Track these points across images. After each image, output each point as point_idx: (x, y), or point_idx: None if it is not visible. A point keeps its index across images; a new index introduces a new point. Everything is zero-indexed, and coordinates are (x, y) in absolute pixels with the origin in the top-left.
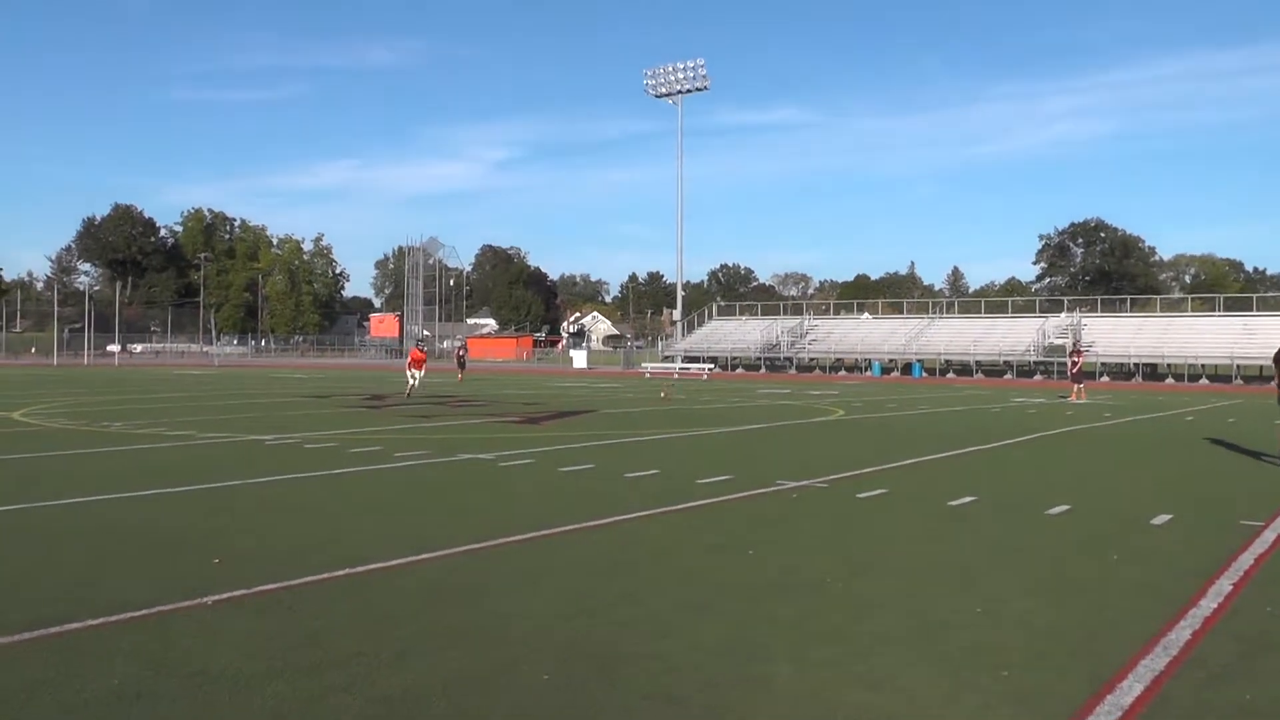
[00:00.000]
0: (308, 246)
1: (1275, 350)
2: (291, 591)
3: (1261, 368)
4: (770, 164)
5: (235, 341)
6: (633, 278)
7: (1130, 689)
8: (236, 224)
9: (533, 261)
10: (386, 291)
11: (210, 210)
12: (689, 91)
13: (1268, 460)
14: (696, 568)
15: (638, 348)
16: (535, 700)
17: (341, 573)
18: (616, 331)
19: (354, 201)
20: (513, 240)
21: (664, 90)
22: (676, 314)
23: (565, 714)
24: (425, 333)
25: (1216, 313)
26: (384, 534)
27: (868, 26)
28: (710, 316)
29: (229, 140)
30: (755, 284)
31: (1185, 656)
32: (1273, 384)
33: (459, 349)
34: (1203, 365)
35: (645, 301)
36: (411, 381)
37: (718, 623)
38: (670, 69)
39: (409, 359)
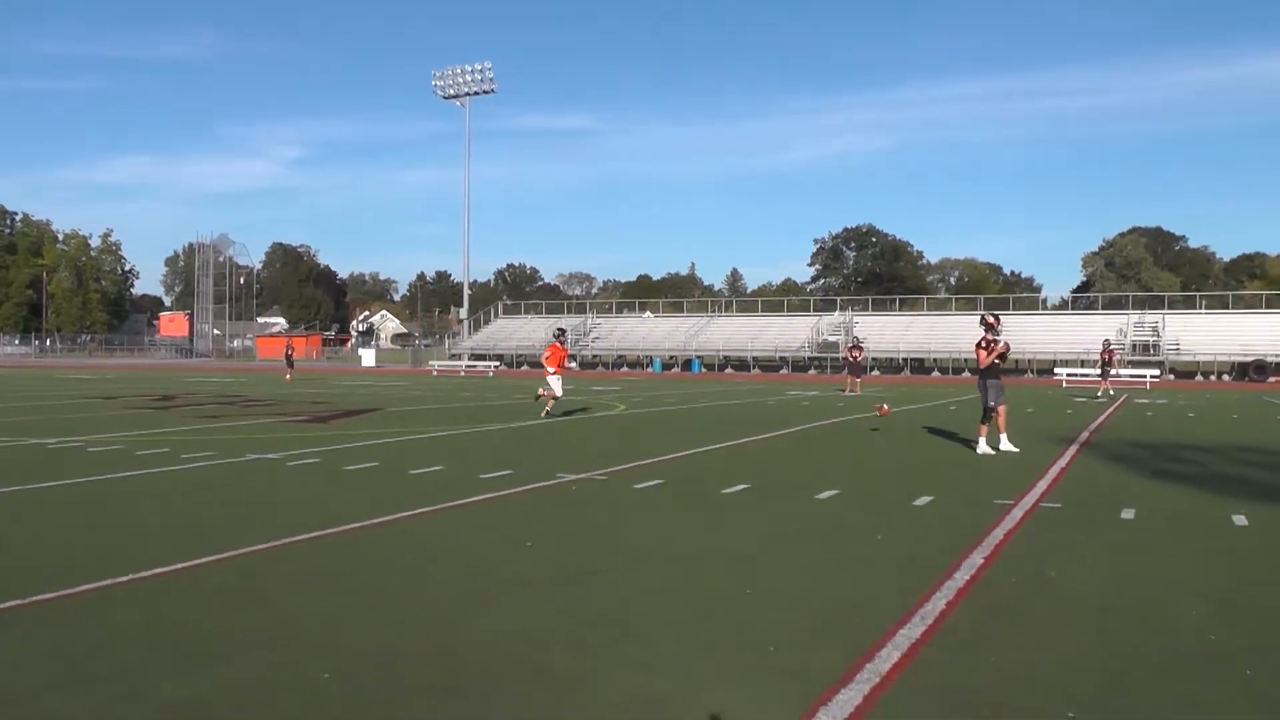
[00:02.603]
0: (95, 243)
1: (975, 342)
2: (72, 600)
3: (1016, 361)
4: (557, 167)
5: (16, 341)
6: (421, 277)
7: (889, 657)
8: (17, 218)
9: (323, 260)
10: (177, 290)
11: None
12: (477, 94)
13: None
14: (477, 561)
15: (426, 346)
16: (317, 701)
17: (126, 579)
18: (405, 330)
19: (145, 198)
20: (304, 239)
21: (452, 92)
22: (463, 313)
23: (346, 713)
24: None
25: (978, 312)
26: (170, 538)
27: (655, 38)
28: (497, 315)
29: (11, 132)
30: (541, 283)
31: (939, 625)
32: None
33: (288, 349)
34: (965, 359)
35: (433, 300)
36: (554, 393)
37: (498, 614)
38: (458, 71)
39: (550, 358)
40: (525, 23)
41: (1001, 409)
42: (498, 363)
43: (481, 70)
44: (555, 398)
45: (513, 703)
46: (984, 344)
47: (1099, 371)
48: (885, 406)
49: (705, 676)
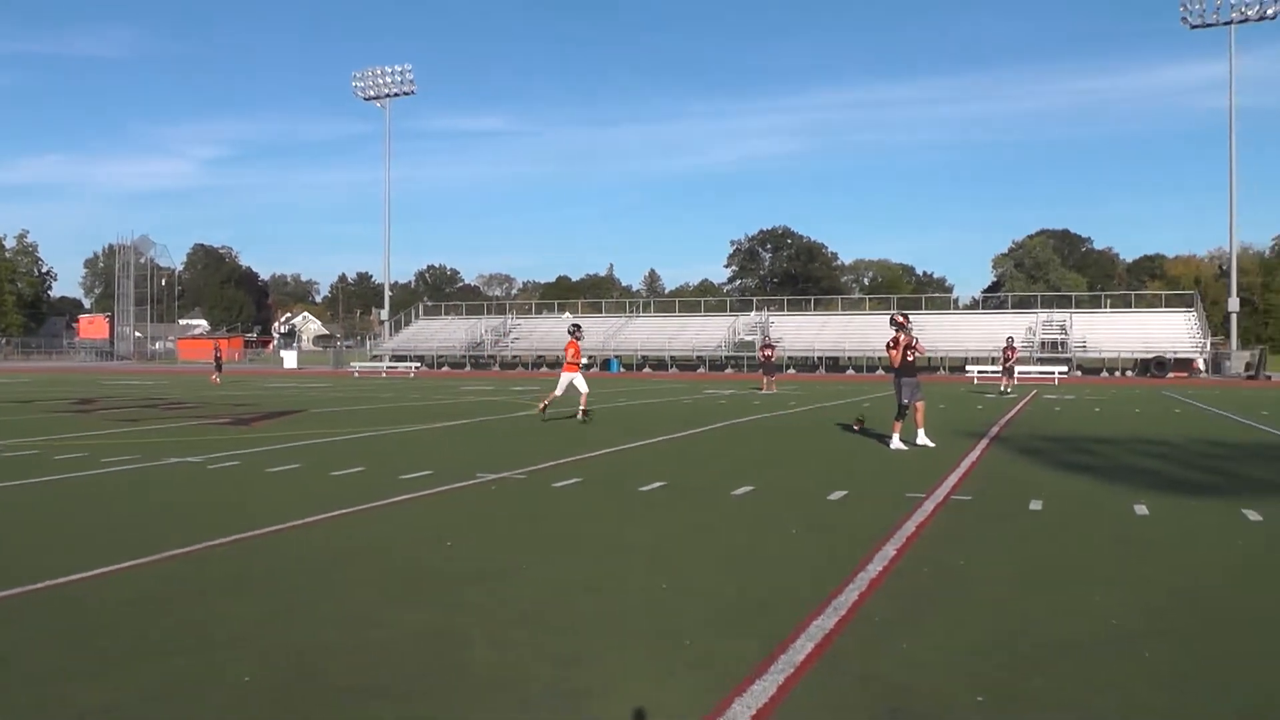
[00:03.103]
0: (10, 244)
1: (887, 340)
2: None
3: (930, 359)
4: (478, 169)
5: None
6: (342, 278)
7: (802, 647)
8: None
9: (244, 261)
10: (96, 292)
11: None
12: (396, 95)
13: (881, 439)
14: (397, 561)
15: (347, 347)
16: (237, 704)
17: (39, 586)
18: (327, 331)
19: (61, 198)
20: (225, 240)
21: (372, 93)
22: (384, 314)
23: (267, 715)
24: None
25: (891, 311)
26: (88, 543)
27: (572, 42)
28: (417, 316)
29: None
30: (461, 284)
31: (852, 615)
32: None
33: (216, 351)
34: (879, 358)
35: (355, 301)
36: (555, 393)
37: (417, 613)
38: (378, 72)
39: (571, 354)
40: (444, 25)
41: (919, 405)
42: (419, 364)
43: (401, 72)
44: (557, 396)
45: (434, 700)
46: (894, 343)
47: (1002, 369)
48: (862, 421)
49: (624, 670)
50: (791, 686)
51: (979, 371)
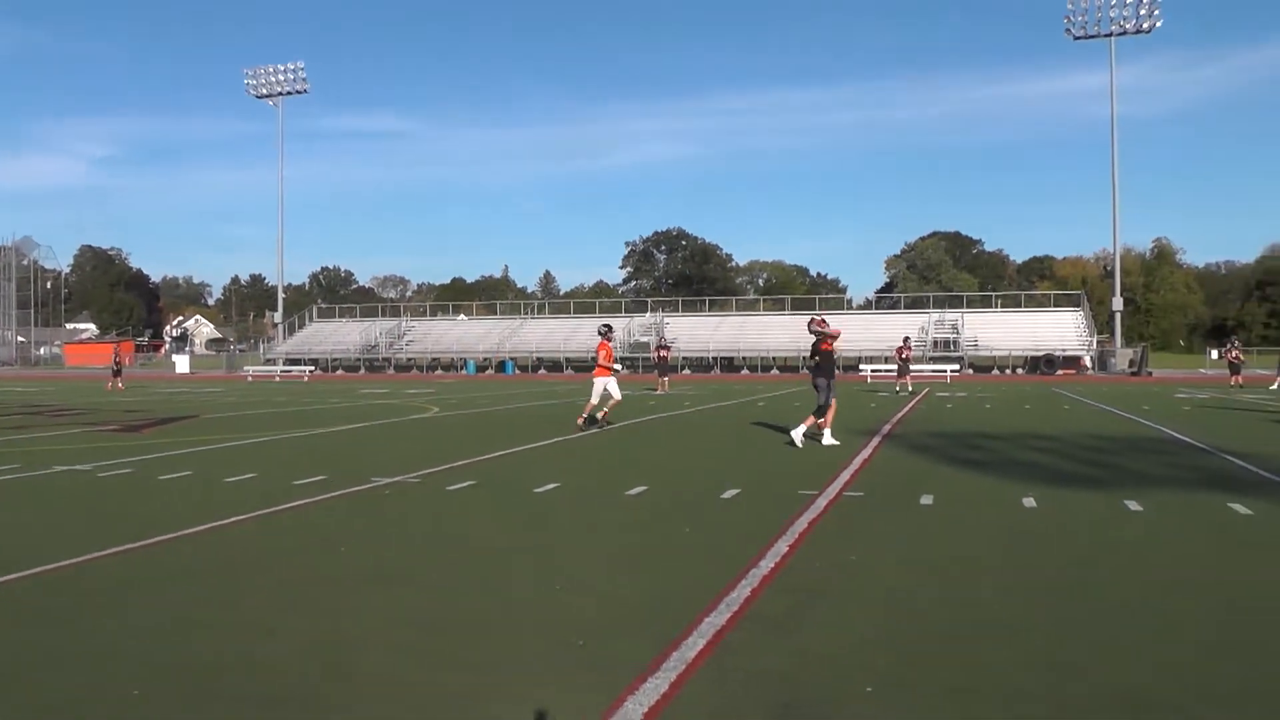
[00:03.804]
0: None
1: (812, 343)
2: None
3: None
4: (372, 169)
5: None
6: (235, 280)
7: (694, 645)
8: None
9: (134, 263)
10: None
11: None
12: (289, 93)
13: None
14: (291, 568)
15: (241, 351)
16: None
17: None
18: (220, 335)
19: None
20: (114, 241)
21: (264, 91)
22: (278, 317)
23: None
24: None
25: (786, 312)
26: None
27: (468, 42)
28: (311, 319)
29: None
30: (355, 286)
31: (744, 611)
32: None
33: (116, 356)
34: (773, 357)
35: (249, 304)
36: (593, 401)
37: (313, 620)
38: (270, 70)
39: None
40: (338, 22)
41: (833, 404)
42: (312, 367)
43: (294, 70)
44: (594, 405)
45: (327, 707)
46: (830, 339)
47: (897, 368)
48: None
49: (517, 672)
50: (684, 683)
51: (872, 370)
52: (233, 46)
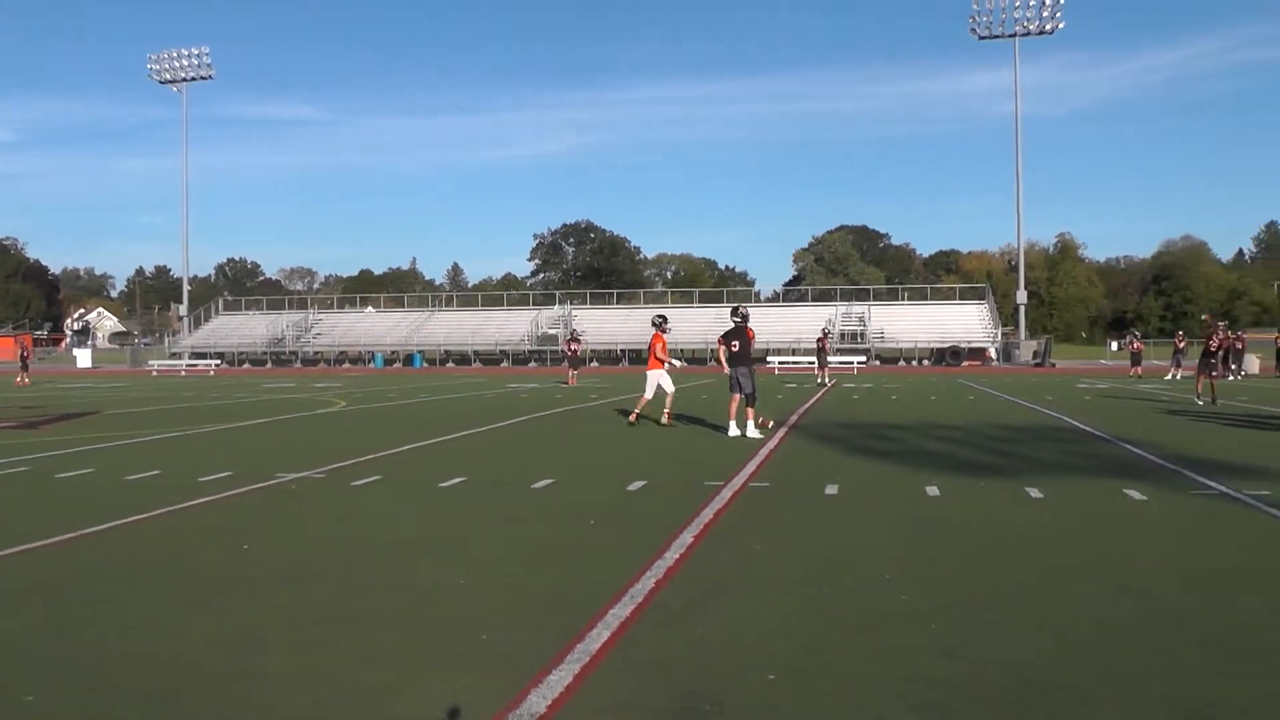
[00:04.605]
0: None
1: (720, 334)
2: None
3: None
4: (280, 158)
5: None
6: (140, 272)
7: (599, 636)
8: None
9: (32, 253)
10: None
11: None
12: (194, 79)
13: (720, 433)
14: (195, 565)
15: (145, 345)
16: None
17: None
18: (123, 328)
19: None
20: (10, 230)
21: (168, 76)
22: (183, 309)
23: None
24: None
25: (694, 304)
26: None
27: (376, 28)
28: (217, 311)
29: None
30: (263, 278)
31: (648, 603)
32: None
33: (22, 349)
34: (681, 350)
35: (153, 297)
36: (646, 396)
37: (216, 618)
38: (174, 55)
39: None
40: (245, 7)
41: (736, 397)
42: (218, 361)
43: (199, 55)
44: (648, 400)
45: (227, 706)
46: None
47: (816, 359)
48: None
49: (422, 666)
50: (587, 675)
51: (780, 362)
52: (136, 29)
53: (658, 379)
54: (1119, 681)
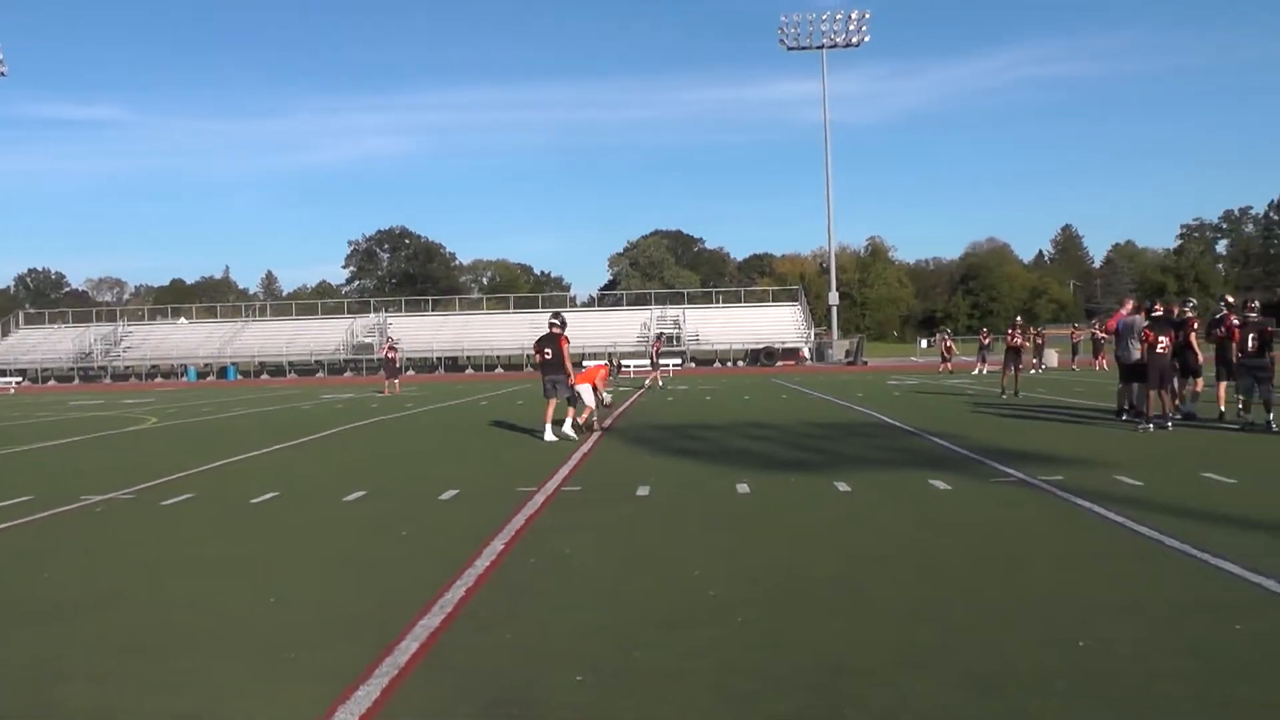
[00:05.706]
0: None
1: (536, 339)
2: None
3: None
4: (83, 162)
5: None
6: None
7: (408, 648)
8: None
9: None
10: None
11: None
12: None
13: (536, 436)
14: None
15: None
16: None
17: None
18: None
19: None
20: None
21: None
22: None
23: None
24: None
25: (509, 311)
26: None
27: (181, 28)
28: (17, 325)
29: None
30: (68, 289)
31: (459, 611)
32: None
33: None
34: (498, 356)
35: None
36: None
37: (11, 650)
38: None
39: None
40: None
41: (552, 401)
42: (19, 379)
43: None
44: (591, 409)
45: None
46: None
47: (650, 363)
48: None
49: (229, 692)
50: (395, 688)
51: (635, 365)
52: None
53: (585, 391)
54: (919, 661)
